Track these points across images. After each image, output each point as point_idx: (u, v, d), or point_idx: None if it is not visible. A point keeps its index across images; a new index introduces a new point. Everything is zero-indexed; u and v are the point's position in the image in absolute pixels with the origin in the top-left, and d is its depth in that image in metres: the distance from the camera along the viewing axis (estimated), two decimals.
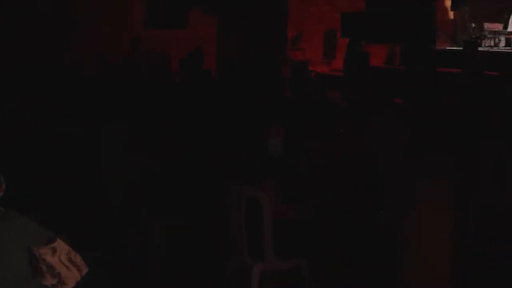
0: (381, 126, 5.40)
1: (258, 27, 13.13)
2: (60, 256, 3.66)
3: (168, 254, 5.39)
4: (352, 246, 4.78)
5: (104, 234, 5.39)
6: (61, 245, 3.70)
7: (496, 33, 14.46)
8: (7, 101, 6.84)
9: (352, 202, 4.87)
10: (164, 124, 6.33)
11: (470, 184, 4.40)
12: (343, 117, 6.04)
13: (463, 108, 6.31)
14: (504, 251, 4.24)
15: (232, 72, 10.36)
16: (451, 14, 15.62)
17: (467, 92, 8.19)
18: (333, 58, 14.87)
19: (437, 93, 7.47)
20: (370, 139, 5.30)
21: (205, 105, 7.09)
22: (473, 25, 14.65)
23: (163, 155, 5.72)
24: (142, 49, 12.73)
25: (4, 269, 3.50)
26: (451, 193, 4.24)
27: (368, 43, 12.96)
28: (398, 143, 5.01)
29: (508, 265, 4.19)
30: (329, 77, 12.71)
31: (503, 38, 14.47)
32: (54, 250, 3.65)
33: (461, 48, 13.16)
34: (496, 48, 14.21)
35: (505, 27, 14.14)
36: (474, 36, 14.10)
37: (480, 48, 12.94)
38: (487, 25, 14.52)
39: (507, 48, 14.02)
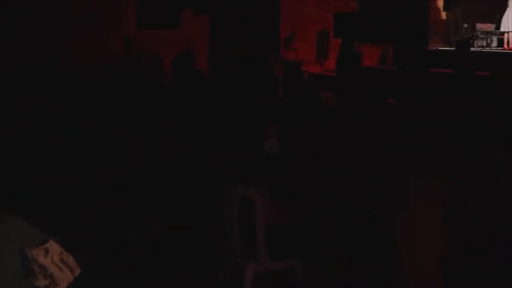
0: (374, 126, 5.41)
1: (250, 28, 13.13)
2: (52, 257, 3.66)
3: (162, 254, 5.37)
4: (345, 246, 4.78)
5: (97, 235, 5.38)
6: (53, 246, 3.69)
7: (488, 34, 14.50)
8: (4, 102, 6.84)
9: (345, 202, 4.88)
10: (157, 124, 6.32)
11: (463, 184, 4.41)
12: (335, 117, 6.04)
13: (456, 108, 6.33)
14: (496, 251, 4.25)
15: (224, 73, 10.35)
16: (443, 15, 15.66)
17: (459, 92, 8.22)
18: (326, 58, 14.88)
19: (430, 93, 7.49)
20: (363, 139, 5.31)
21: (197, 105, 7.08)
22: (465, 25, 14.69)
23: (157, 155, 5.71)
24: (135, 49, 12.72)
25: None
26: (443, 193, 4.24)
27: (360, 43, 12.98)
28: (391, 143, 5.01)
29: (500, 265, 4.20)
30: (322, 77, 12.72)
31: (495, 38, 14.51)
32: (46, 251, 3.64)
33: (453, 49, 13.20)
34: (488, 48, 14.25)
35: (497, 27, 14.18)
36: (466, 37, 14.14)
37: (472, 49, 12.98)
38: (479, 26, 14.56)
39: (499, 48, 14.07)
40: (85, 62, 11.73)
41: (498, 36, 14.33)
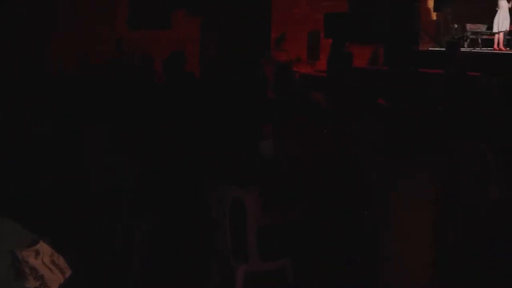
0: (365, 127, 5.42)
1: (241, 28, 13.14)
2: (43, 259, 3.64)
3: (152, 255, 5.37)
4: (336, 246, 4.79)
5: (88, 236, 5.37)
6: (44, 248, 3.68)
7: (478, 34, 14.57)
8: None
9: (336, 203, 4.89)
10: (149, 124, 6.31)
11: (452, 184, 4.43)
12: (326, 118, 6.05)
13: (445, 108, 6.35)
14: (485, 251, 4.27)
15: (215, 73, 10.35)
16: (434, 15, 15.72)
17: (449, 92, 8.25)
18: (317, 59, 14.91)
19: (420, 94, 7.51)
20: (353, 140, 5.32)
21: (188, 105, 7.07)
22: (456, 26, 14.75)
23: (149, 156, 5.71)
24: (126, 50, 12.71)
25: None
26: (433, 193, 4.26)
27: (351, 44, 13.01)
28: (381, 143, 5.03)
29: (489, 265, 4.22)
30: (313, 78, 12.74)
31: (485, 39, 14.58)
32: (37, 253, 3.63)
33: (444, 49, 13.25)
34: (478, 48, 14.32)
35: (489, 28, 14.26)
36: (456, 37, 14.20)
37: (462, 49, 13.04)
38: (470, 26, 14.63)
39: (489, 49, 14.14)
40: (75, 62, 11.70)
41: (488, 37, 14.41)
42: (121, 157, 5.53)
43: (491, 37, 14.29)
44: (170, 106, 7.04)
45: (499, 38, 13.85)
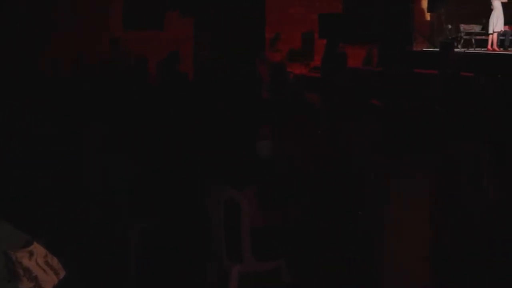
0: (359, 127, 5.42)
1: (235, 29, 13.12)
2: (37, 260, 3.63)
3: (147, 255, 5.36)
4: (330, 246, 4.79)
5: (83, 236, 5.36)
6: (38, 249, 3.67)
7: (472, 34, 14.61)
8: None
9: (330, 203, 4.89)
10: (145, 125, 6.30)
11: (447, 184, 4.43)
12: (321, 118, 6.05)
13: (440, 108, 6.36)
14: (480, 251, 4.28)
15: (209, 73, 10.34)
16: (428, 16, 15.76)
17: (444, 92, 8.26)
18: (311, 59, 14.91)
19: (415, 94, 7.52)
20: (348, 140, 5.32)
21: (183, 106, 7.07)
22: (450, 26, 14.79)
23: (144, 156, 5.70)
24: (121, 50, 12.68)
25: None
26: (428, 193, 4.27)
27: (345, 44, 13.02)
28: (376, 144, 5.03)
29: (484, 264, 4.23)
30: (308, 78, 12.73)
31: (479, 39, 14.62)
32: (31, 254, 3.62)
33: (438, 50, 13.28)
34: (472, 49, 14.36)
35: (483, 28, 14.30)
36: (450, 37, 14.23)
37: (456, 49, 13.07)
38: (463, 27, 14.67)
39: (483, 49, 14.17)
40: (70, 62, 11.67)
41: (482, 37, 14.45)
42: (117, 157, 5.52)
43: (484, 38, 14.33)
44: (165, 107, 7.03)
45: (493, 38, 13.89)
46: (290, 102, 6.92)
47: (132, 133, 6.01)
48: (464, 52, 13.71)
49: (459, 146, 4.78)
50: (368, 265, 4.39)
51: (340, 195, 4.87)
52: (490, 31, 13.81)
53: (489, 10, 13.86)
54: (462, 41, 14.48)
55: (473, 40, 14.51)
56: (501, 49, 13.87)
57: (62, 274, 3.70)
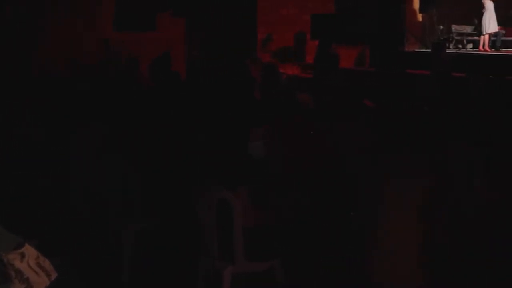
0: (351, 127, 5.43)
1: (227, 29, 13.13)
2: (28, 261, 3.61)
3: (139, 257, 5.35)
4: (322, 247, 4.79)
5: (73, 238, 5.34)
6: (29, 250, 3.64)
7: (463, 35, 14.66)
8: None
9: (323, 204, 4.89)
10: (137, 126, 6.29)
11: (440, 184, 4.43)
12: (313, 119, 6.05)
13: (432, 108, 6.37)
14: (473, 251, 4.28)
15: (201, 74, 10.33)
16: (419, 17, 15.80)
17: (436, 93, 8.28)
18: (303, 60, 14.93)
19: (407, 94, 7.53)
20: (340, 141, 5.32)
21: (175, 106, 7.06)
22: (441, 27, 14.83)
23: (137, 157, 5.69)
24: (112, 50, 12.67)
25: None
26: (420, 194, 4.27)
27: (338, 45, 13.04)
28: (368, 144, 5.03)
29: (477, 265, 4.23)
30: (300, 79, 12.74)
31: (470, 40, 14.67)
32: (22, 255, 3.60)
33: (429, 50, 13.32)
34: (464, 49, 14.40)
35: (475, 29, 14.34)
36: (442, 38, 14.28)
37: (448, 50, 13.11)
38: (455, 27, 14.71)
39: (474, 50, 14.23)
40: (61, 63, 11.64)
41: (474, 38, 14.51)
42: (110, 157, 5.51)
43: (476, 38, 14.38)
44: (159, 107, 7.02)
45: (485, 39, 13.94)
46: (282, 103, 6.92)
47: (125, 133, 6.00)
48: (456, 52, 13.75)
49: (452, 146, 4.79)
50: (361, 266, 4.39)
51: (332, 195, 4.87)
52: (483, 32, 13.86)
53: (480, 11, 13.91)
54: (453, 41, 14.53)
55: (464, 41, 14.56)
56: (493, 49, 13.92)
57: (54, 276, 3.69)
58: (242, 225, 4.69)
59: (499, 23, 13.92)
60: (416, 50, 14.87)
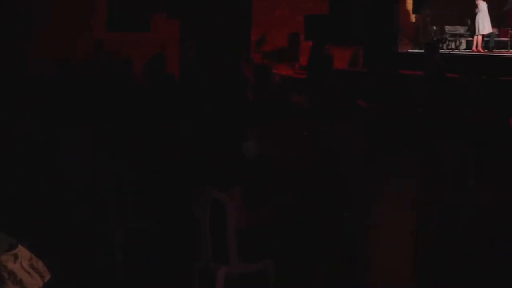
0: (344, 128, 5.43)
1: (221, 30, 13.12)
2: (21, 263, 3.60)
3: (132, 258, 5.34)
4: (316, 248, 4.79)
5: (67, 238, 5.33)
6: (22, 252, 3.63)
7: (457, 36, 14.69)
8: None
9: (316, 204, 4.89)
10: (130, 126, 6.28)
11: (432, 184, 4.44)
12: (307, 120, 6.06)
13: (425, 109, 6.38)
14: (467, 251, 4.29)
15: (195, 75, 10.32)
16: (413, 17, 15.81)
17: (429, 93, 8.29)
18: (297, 61, 14.93)
19: (400, 95, 7.54)
20: (333, 141, 5.33)
21: (169, 107, 7.05)
22: (435, 28, 14.85)
23: (130, 158, 5.68)
24: (105, 52, 12.63)
25: None
26: (413, 194, 4.28)
27: (331, 45, 13.05)
28: (361, 145, 5.04)
29: (471, 264, 4.24)
30: (294, 79, 12.75)
31: (464, 41, 14.70)
32: (15, 257, 3.59)
33: (423, 51, 13.34)
34: (457, 50, 14.43)
35: (469, 29, 14.38)
36: (435, 39, 14.30)
37: (441, 51, 13.13)
38: (448, 28, 14.75)
39: (467, 50, 14.26)
40: (53, 64, 11.61)
41: (467, 39, 14.54)
42: (104, 158, 5.50)
43: (469, 39, 14.41)
44: (153, 108, 7.01)
45: (478, 40, 13.97)
46: (275, 103, 6.92)
47: (119, 134, 5.99)
48: (449, 53, 13.78)
49: (445, 146, 4.79)
50: (355, 266, 4.40)
51: (326, 196, 4.87)
52: (477, 32, 13.89)
53: (474, 11, 13.94)
54: (447, 42, 14.55)
55: (458, 41, 14.59)
56: (486, 50, 13.95)
57: (47, 277, 3.68)
58: (236, 226, 4.69)
59: (491, 24, 13.95)
60: (409, 51, 14.89)
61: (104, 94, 7.85)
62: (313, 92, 8.17)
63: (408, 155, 4.48)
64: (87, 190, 5.52)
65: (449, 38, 14.68)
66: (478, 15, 13.78)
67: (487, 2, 13.81)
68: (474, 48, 14.02)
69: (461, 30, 14.71)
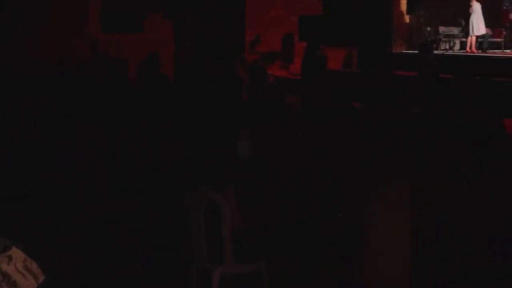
0: (339, 129, 5.44)
1: (215, 31, 13.12)
2: (16, 264, 3.59)
3: (127, 259, 5.34)
4: (311, 248, 4.80)
5: (61, 240, 5.32)
6: (16, 253, 3.62)
7: (451, 37, 14.72)
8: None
9: (311, 205, 4.89)
10: (125, 127, 6.27)
11: (428, 184, 4.45)
12: (301, 121, 6.06)
13: (420, 109, 6.39)
14: (462, 251, 4.30)
15: (190, 76, 10.32)
16: (407, 18, 15.84)
17: (423, 94, 8.30)
18: (291, 62, 14.94)
19: (395, 96, 7.55)
20: (328, 142, 5.33)
21: (164, 108, 7.05)
22: (429, 28, 14.88)
23: (124, 159, 5.67)
24: (100, 53, 12.62)
25: None
26: (409, 194, 4.28)
27: (325, 46, 13.06)
28: (356, 146, 5.04)
29: (466, 265, 4.25)
30: (288, 80, 12.75)
31: (457, 41, 14.74)
32: (9, 258, 3.58)
33: (417, 52, 13.37)
34: (451, 51, 14.46)
35: (462, 30, 14.40)
36: (429, 40, 14.33)
37: (435, 51, 13.15)
38: (442, 29, 14.78)
39: (461, 51, 14.29)
40: (48, 65, 11.58)
41: (461, 39, 14.57)
42: (99, 158, 5.50)
43: (463, 40, 14.45)
44: (147, 109, 7.00)
45: (472, 41, 14.00)
46: (269, 104, 6.93)
47: (113, 134, 5.99)
48: (443, 54, 13.81)
49: (439, 146, 4.80)
50: (350, 266, 4.40)
51: (320, 196, 4.88)
52: (471, 33, 13.92)
53: (468, 12, 13.97)
54: (441, 43, 14.59)
55: (452, 42, 14.62)
56: (480, 51, 13.99)
57: (42, 278, 3.67)
58: (231, 226, 4.69)
59: (485, 25, 13.99)
60: (403, 51, 14.92)
61: (100, 94, 7.85)
62: (307, 93, 8.17)
63: (403, 156, 4.49)
64: (87, 190, 5.51)
65: (443, 39, 14.71)
66: (472, 16, 13.82)
67: (481, 3, 13.85)
68: (468, 49, 14.06)
69: (455, 31, 14.74)
